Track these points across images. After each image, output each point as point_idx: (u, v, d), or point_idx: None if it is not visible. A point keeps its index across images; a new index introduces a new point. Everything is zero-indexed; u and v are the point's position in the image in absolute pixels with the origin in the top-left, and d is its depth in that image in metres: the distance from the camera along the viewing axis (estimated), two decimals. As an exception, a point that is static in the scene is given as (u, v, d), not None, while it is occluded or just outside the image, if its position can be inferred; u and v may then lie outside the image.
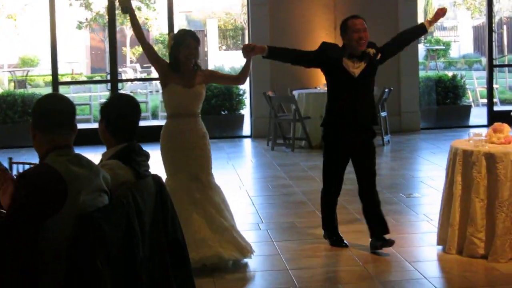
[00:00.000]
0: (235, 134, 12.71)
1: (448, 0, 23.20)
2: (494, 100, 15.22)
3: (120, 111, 3.34)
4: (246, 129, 12.87)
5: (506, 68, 20.35)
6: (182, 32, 4.95)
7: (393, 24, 12.71)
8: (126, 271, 2.95)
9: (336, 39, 9.79)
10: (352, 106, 4.79)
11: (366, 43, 4.78)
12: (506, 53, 24.25)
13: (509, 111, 11.50)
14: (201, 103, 4.90)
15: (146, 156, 3.34)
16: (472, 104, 16.05)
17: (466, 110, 14.36)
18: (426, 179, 9.05)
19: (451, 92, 14.00)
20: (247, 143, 12.27)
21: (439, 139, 11.15)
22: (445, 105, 13.87)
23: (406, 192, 8.36)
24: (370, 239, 5.12)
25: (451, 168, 5.79)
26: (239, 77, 5.12)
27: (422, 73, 16.87)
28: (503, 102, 17.18)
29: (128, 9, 4.50)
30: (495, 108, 14.57)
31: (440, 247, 5.90)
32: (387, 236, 5.11)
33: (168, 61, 4.89)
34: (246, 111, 13.08)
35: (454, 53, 25.04)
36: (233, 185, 8.89)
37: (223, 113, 12.56)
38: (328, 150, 5.10)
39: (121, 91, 12.36)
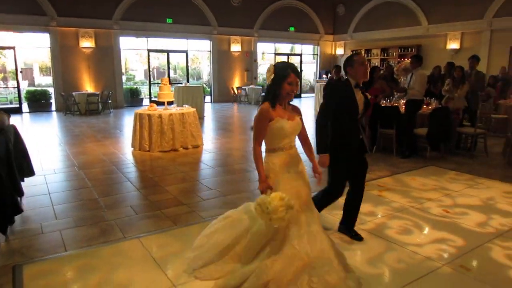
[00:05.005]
0: (49, 110, 14.06)
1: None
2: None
3: None
4: (53, 107, 14.00)
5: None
6: (284, 65, 2.65)
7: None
8: (7, 163, 3.54)
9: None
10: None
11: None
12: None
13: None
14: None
15: None
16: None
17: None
18: (125, 126, 10.48)
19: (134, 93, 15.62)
20: (54, 114, 13.45)
21: (132, 110, 11.56)
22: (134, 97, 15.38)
23: (119, 129, 9.85)
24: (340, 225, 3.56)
25: (135, 120, 6.94)
26: (307, 145, 2.85)
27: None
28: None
29: None
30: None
31: (132, 148, 7.20)
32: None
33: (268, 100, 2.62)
34: (53, 100, 14.03)
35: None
36: (50, 132, 9.90)
37: (43, 101, 13.92)
38: (343, 168, 3.25)
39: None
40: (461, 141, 6.99)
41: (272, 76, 2.60)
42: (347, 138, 3.23)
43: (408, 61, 7.05)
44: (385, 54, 16.90)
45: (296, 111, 2.74)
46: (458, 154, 7.04)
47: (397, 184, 5.16)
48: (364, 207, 4.17)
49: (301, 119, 2.73)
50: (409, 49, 15.90)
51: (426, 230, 3.77)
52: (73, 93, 13.24)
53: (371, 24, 17.34)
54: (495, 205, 4.45)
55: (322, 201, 3.40)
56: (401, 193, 4.78)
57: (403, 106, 6.82)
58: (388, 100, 7.37)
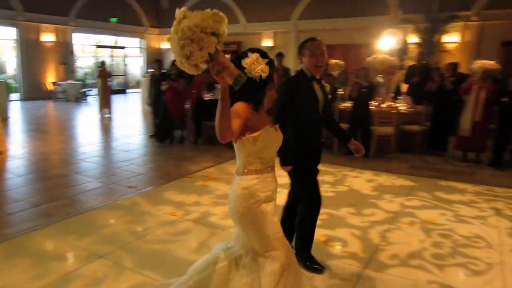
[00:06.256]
0: None
1: None
2: None
3: None
4: None
5: None
6: (271, 59, 1.94)
7: None
8: None
9: None
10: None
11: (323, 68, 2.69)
12: None
13: None
14: None
15: None
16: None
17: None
18: None
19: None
20: None
21: None
22: None
23: None
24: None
25: None
26: None
27: None
28: None
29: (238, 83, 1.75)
30: None
31: None
32: None
33: (250, 101, 1.91)
34: None
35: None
36: None
37: None
38: (307, 174, 2.78)
39: None
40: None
41: (266, 68, 1.86)
42: (307, 141, 2.74)
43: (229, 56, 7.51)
44: (210, 49, 17.59)
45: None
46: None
47: (221, 173, 5.52)
48: (190, 198, 4.34)
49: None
50: (231, 45, 16.97)
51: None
52: None
53: (195, 20, 17.80)
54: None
55: (308, 227, 2.87)
56: (225, 181, 5.13)
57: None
58: (212, 94, 7.74)
